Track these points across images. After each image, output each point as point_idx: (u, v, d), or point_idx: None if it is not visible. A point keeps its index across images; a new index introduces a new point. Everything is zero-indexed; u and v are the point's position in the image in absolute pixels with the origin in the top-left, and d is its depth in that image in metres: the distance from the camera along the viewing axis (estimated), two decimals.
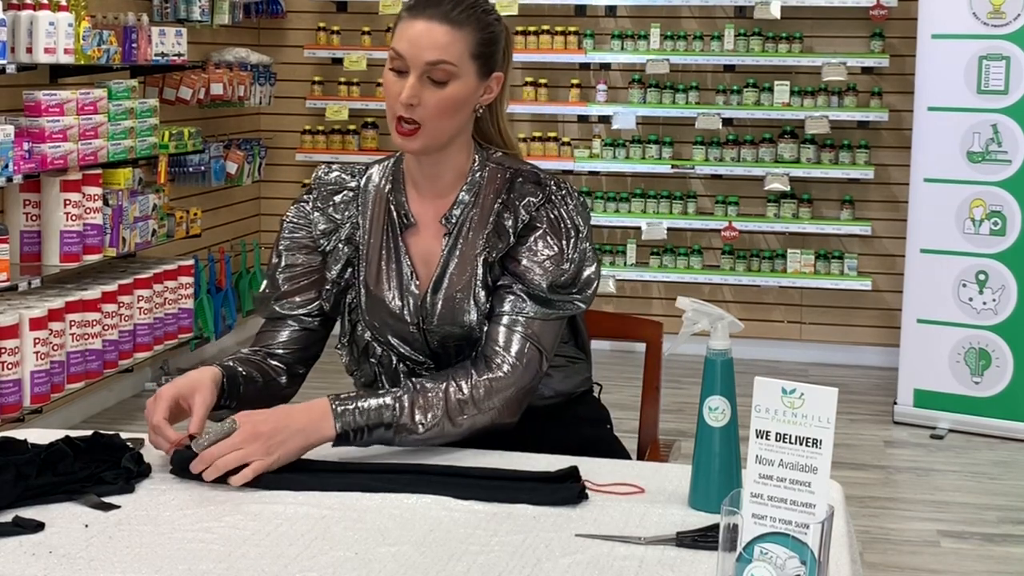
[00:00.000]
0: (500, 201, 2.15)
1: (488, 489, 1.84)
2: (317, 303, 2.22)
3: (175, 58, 5.50)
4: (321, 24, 6.88)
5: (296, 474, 1.89)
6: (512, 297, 2.10)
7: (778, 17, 6.30)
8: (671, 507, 1.82)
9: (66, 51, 4.65)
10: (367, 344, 2.20)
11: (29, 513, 1.73)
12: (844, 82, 6.38)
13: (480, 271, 2.13)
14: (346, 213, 2.22)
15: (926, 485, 4.82)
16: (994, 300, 5.40)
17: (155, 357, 5.55)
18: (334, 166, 2.28)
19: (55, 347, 4.58)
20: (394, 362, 2.20)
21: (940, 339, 5.51)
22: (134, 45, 5.21)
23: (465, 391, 2.02)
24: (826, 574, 1.41)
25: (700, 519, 1.76)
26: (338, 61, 6.83)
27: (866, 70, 6.50)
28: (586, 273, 2.13)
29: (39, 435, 2.01)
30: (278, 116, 7.00)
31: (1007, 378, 5.38)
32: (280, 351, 2.22)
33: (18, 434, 1.99)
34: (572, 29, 6.59)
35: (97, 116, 4.85)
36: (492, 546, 1.66)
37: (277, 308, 2.23)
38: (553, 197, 2.14)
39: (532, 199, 2.14)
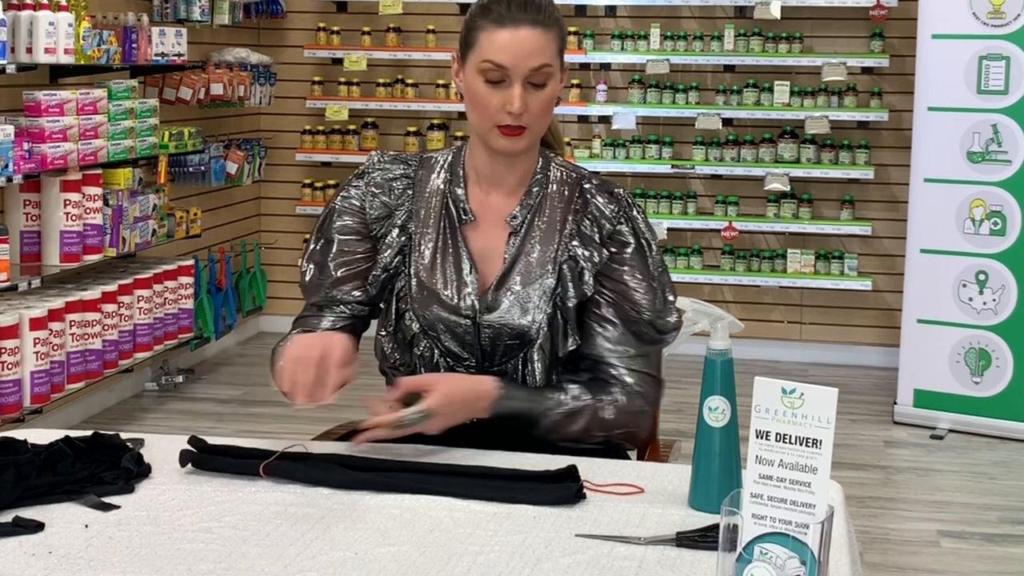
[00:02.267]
0: (574, 208, 2.19)
1: (488, 488, 1.84)
2: (366, 290, 2.21)
3: (175, 58, 5.50)
4: (321, 24, 6.88)
5: (299, 464, 1.90)
6: (618, 336, 2.15)
7: (778, 17, 6.30)
8: (671, 507, 1.82)
9: (66, 51, 4.65)
10: (414, 335, 2.19)
11: (29, 513, 1.73)
12: (844, 82, 6.38)
13: (563, 273, 2.16)
14: (401, 200, 2.22)
15: (926, 485, 4.82)
16: (994, 300, 5.40)
17: (155, 357, 5.55)
18: (388, 153, 2.28)
19: (55, 347, 4.58)
20: (436, 356, 2.18)
21: (940, 339, 5.51)
22: (134, 45, 5.21)
23: (609, 414, 2.12)
24: (826, 574, 1.41)
25: (700, 519, 1.76)
26: (338, 61, 6.83)
27: (866, 70, 6.50)
28: (670, 302, 2.19)
29: (39, 435, 2.01)
30: (278, 116, 7.00)
31: (1007, 378, 5.38)
32: None
33: (18, 434, 1.99)
34: (572, 29, 6.58)
35: (97, 116, 4.85)
36: (492, 546, 1.66)
37: (329, 295, 2.20)
38: (627, 208, 2.20)
39: (610, 210, 2.19)
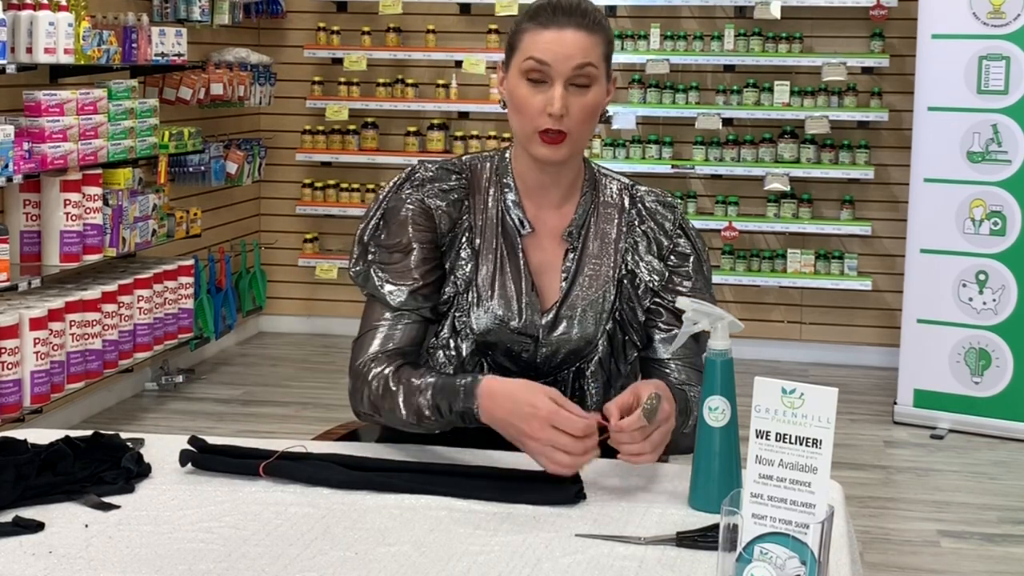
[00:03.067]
0: (628, 220, 2.19)
1: (488, 489, 1.84)
2: (436, 298, 2.15)
3: (175, 58, 5.50)
4: (321, 24, 6.88)
5: (299, 464, 1.90)
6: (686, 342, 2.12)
7: (778, 17, 6.30)
8: (671, 507, 1.82)
9: (66, 51, 4.65)
10: (468, 354, 2.14)
11: (29, 513, 1.73)
12: (844, 82, 6.38)
13: (623, 288, 2.16)
14: (460, 212, 2.16)
15: (926, 485, 4.82)
16: (994, 300, 5.40)
17: (155, 357, 5.55)
18: (433, 162, 2.20)
19: (55, 347, 4.58)
20: (486, 370, 2.15)
21: (940, 339, 5.51)
22: (134, 45, 5.21)
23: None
24: (826, 574, 1.41)
25: (700, 519, 1.76)
26: (338, 61, 6.83)
27: (866, 70, 6.50)
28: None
29: (39, 435, 2.00)
30: (278, 116, 7.00)
31: (1007, 378, 5.38)
32: (409, 348, 2.12)
33: (18, 434, 1.99)
34: None
35: (97, 116, 4.85)
36: (492, 546, 1.66)
37: (413, 302, 2.12)
38: (682, 219, 2.21)
39: (668, 223, 2.19)
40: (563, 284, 2.15)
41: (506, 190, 2.18)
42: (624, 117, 6.49)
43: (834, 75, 6.28)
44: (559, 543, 1.68)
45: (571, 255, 2.16)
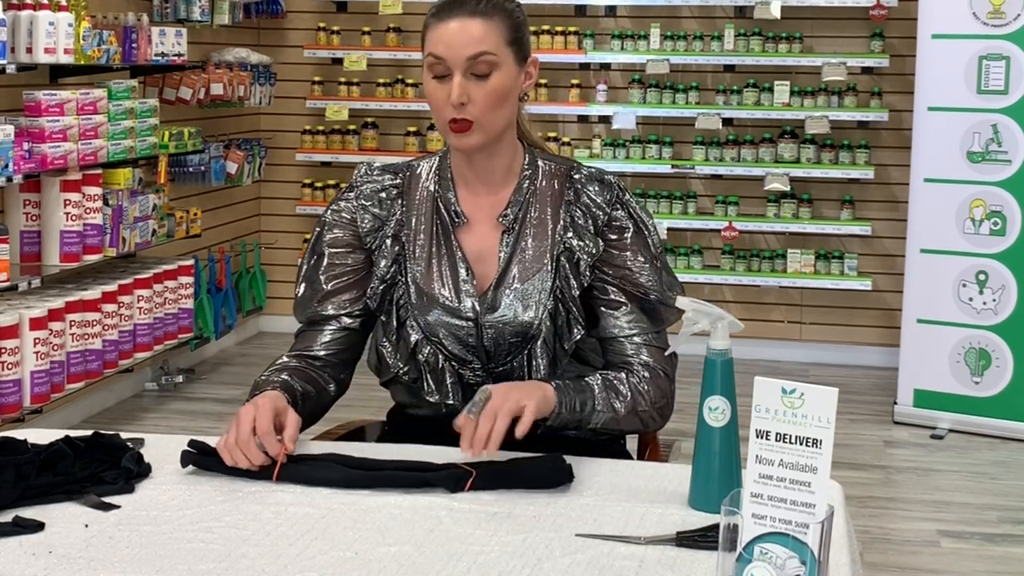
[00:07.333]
0: (566, 199, 2.20)
1: (487, 478, 1.86)
2: (361, 303, 2.20)
3: (175, 58, 5.50)
4: (321, 24, 6.89)
5: (299, 464, 1.90)
6: (630, 315, 2.16)
7: (778, 17, 6.30)
8: (671, 507, 1.82)
9: (66, 51, 4.65)
10: (416, 342, 2.18)
11: (29, 513, 1.73)
12: (844, 82, 6.38)
13: (560, 265, 2.17)
14: (391, 210, 2.22)
15: (926, 485, 4.82)
16: (994, 300, 5.40)
17: (155, 357, 5.55)
18: (375, 165, 2.29)
19: (55, 347, 4.58)
20: (440, 361, 2.18)
21: (940, 339, 5.51)
22: (134, 45, 5.21)
23: (645, 393, 2.13)
24: (826, 574, 1.41)
25: (700, 519, 1.76)
26: (338, 61, 6.83)
27: (866, 70, 6.50)
28: (675, 280, 2.22)
29: (39, 435, 2.01)
30: (278, 116, 7.00)
31: (1007, 378, 5.38)
32: (323, 353, 2.19)
33: (18, 434, 1.99)
34: (572, 29, 6.59)
35: (97, 116, 4.85)
36: (492, 546, 1.66)
37: (320, 310, 2.20)
38: (620, 196, 2.21)
39: (602, 198, 2.19)
40: (500, 266, 2.18)
41: (444, 183, 2.22)
42: (624, 117, 6.49)
43: (834, 75, 6.29)
44: (559, 543, 1.68)
45: (507, 237, 2.19)
